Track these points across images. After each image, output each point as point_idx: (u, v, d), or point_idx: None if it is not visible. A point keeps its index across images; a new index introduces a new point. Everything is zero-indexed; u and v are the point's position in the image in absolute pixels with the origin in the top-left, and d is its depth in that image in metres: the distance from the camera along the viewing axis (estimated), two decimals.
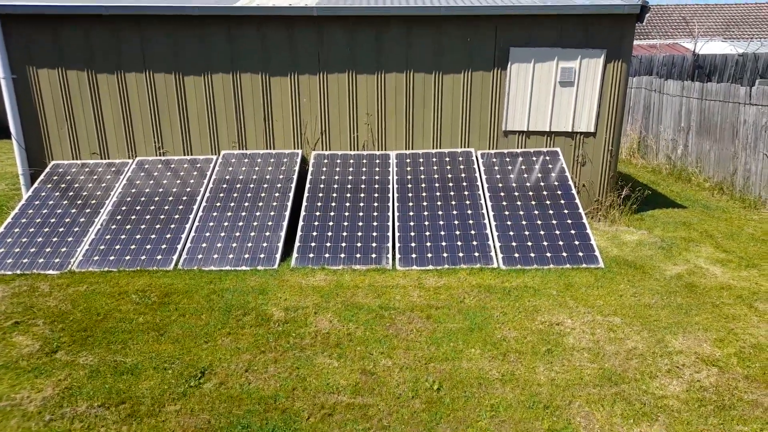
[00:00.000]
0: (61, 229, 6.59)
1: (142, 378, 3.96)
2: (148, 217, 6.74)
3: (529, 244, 6.24)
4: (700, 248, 6.58)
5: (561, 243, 6.25)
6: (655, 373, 4.03)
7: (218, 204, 6.90)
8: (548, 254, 6.12)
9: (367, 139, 7.72)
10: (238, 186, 7.17)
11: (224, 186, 7.17)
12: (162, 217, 6.74)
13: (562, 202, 6.79)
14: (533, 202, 6.79)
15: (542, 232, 6.38)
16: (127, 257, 6.18)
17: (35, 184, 7.31)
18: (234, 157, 7.62)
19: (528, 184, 7.06)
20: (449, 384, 3.87)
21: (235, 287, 5.51)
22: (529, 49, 7.26)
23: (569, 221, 6.52)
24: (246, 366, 4.10)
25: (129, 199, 7.03)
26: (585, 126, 7.52)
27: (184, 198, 7.01)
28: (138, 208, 6.88)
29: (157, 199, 7.02)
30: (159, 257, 6.18)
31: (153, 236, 6.46)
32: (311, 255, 6.20)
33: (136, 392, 3.81)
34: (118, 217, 6.75)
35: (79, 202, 7.02)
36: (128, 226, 6.60)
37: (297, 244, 6.34)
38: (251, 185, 7.18)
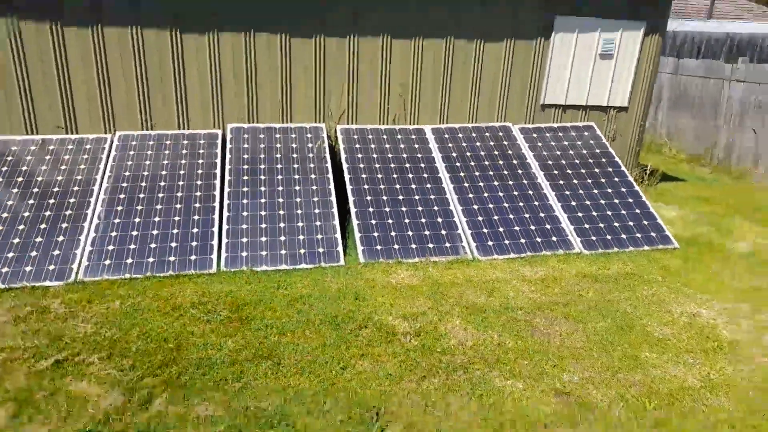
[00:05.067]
0: (42, 226, 5.07)
1: (306, 430, 3.03)
2: (159, 207, 5.42)
3: (602, 225, 5.94)
4: (741, 223, 6.73)
5: (631, 223, 6.02)
6: None
7: (246, 189, 5.74)
8: (623, 236, 5.86)
9: (399, 112, 6.89)
10: (263, 167, 6.03)
11: (246, 167, 5.99)
12: (178, 206, 5.46)
13: (616, 180, 6.56)
14: (589, 181, 6.48)
15: (609, 213, 6.11)
16: (150, 259, 4.91)
17: None
18: (246, 132, 6.40)
19: (577, 161, 6.73)
20: (661, 401, 3.42)
21: (314, 293, 4.57)
22: (575, 18, 6.84)
23: (630, 200, 6.31)
24: (421, 399, 3.32)
25: (125, 184, 5.61)
26: (620, 100, 7.34)
27: (199, 182, 5.75)
28: (142, 195, 5.51)
29: (163, 184, 5.68)
30: (193, 257, 4.99)
31: (175, 231, 5.20)
32: (378, 247, 5.37)
33: None
34: (119, 207, 5.35)
35: (56, 189, 5.47)
36: (137, 219, 5.26)
37: (358, 234, 5.46)
38: (279, 165, 6.07)
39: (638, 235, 5.91)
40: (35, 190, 5.43)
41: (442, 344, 3.90)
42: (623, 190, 6.43)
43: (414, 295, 4.59)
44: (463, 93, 6.94)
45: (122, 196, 5.47)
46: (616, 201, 6.27)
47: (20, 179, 5.53)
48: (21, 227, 5.03)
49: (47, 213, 5.20)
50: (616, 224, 5.99)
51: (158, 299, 4.36)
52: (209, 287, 4.59)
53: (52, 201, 5.33)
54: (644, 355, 3.87)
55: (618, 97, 7.31)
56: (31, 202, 5.29)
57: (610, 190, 6.39)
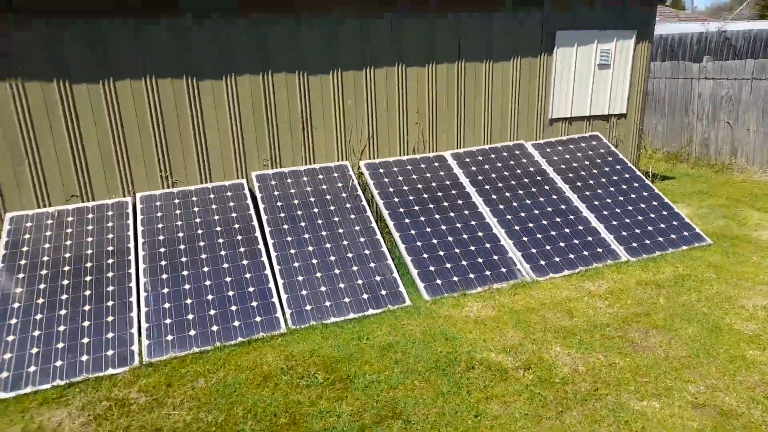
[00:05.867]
0: (86, 307, 4.67)
1: None
2: (206, 269, 5.11)
3: (638, 231, 6.11)
4: (748, 213, 7.11)
5: (663, 226, 6.23)
6: None
7: (290, 239, 5.52)
8: (660, 239, 6.05)
9: (417, 141, 6.87)
10: (300, 213, 5.83)
11: (282, 215, 5.77)
12: (225, 266, 5.17)
13: (636, 185, 6.79)
14: (611, 189, 6.68)
15: (640, 218, 6.30)
16: (214, 327, 4.60)
17: None
18: (272, 178, 6.18)
19: (595, 171, 6.93)
20: None
21: (400, 339, 4.42)
22: (574, 31, 7.09)
23: (654, 203, 6.54)
24: None
25: (163, 249, 5.27)
26: (619, 108, 7.64)
27: (239, 237, 5.48)
28: (184, 259, 5.18)
29: (203, 244, 5.37)
30: (258, 319, 4.72)
31: (231, 293, 4.92)
32: (439, 282, 5.29)
33: None
34: (163, 276, 5.01)
35: (88, 264, 5.05)
36: (187, 286, 4.93)
37: (415, 270, 5.36)
38: (315, 210, 5.89)
39: (673, 236, 6.12)
40: (66, 268, 5.00)
41: (557, 374, 3.85)
42: (645, 194, 6.66)
43: (499, 326, 4.53)
44: (477, 115, 7.02)
45: (163, 263, 5.13)
46: (643, 205, 6.48)
47: (45, 258, 5.07)
48: (63, 312, 4.60)
49: (87, 292, 4.79)
50: (650, 228, 6.18)
51: (242, 370, 4.08)
52: (288, 349, 4.35)
53: (88, 278, 4.92)
54: (749, 354, 3.97)
55: (617, 105, 7.61)
56: (65, 282, 4.86)
57: (633, 196, 6.61)
